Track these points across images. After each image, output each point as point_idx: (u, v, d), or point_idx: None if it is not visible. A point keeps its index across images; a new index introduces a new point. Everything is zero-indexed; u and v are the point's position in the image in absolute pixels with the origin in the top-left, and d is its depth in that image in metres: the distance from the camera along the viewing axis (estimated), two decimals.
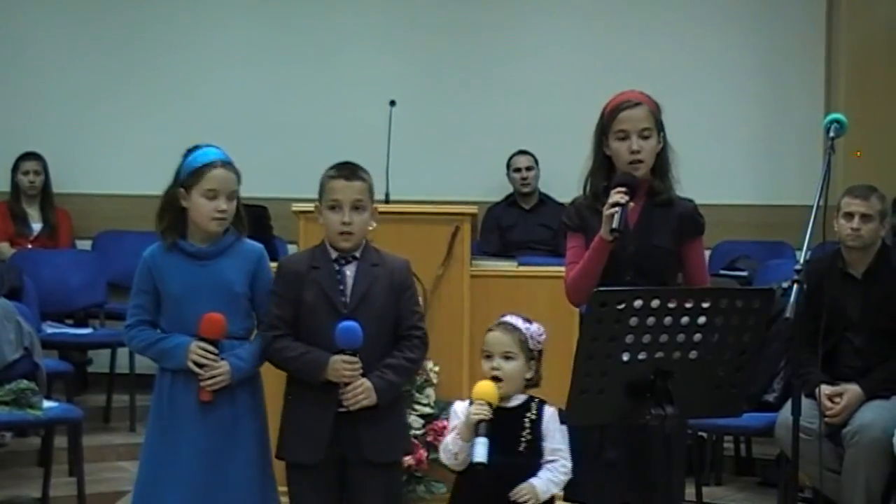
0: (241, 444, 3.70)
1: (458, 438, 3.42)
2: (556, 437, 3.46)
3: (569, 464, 3.45)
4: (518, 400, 3.51)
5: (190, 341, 3.64)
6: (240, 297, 3.74)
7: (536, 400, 3.53)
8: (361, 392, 3.59)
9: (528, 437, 3.46)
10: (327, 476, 3.66)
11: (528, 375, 3.53)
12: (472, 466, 3.34)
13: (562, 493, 3.54)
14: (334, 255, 3.71)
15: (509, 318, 3.57)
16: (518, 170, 7.59)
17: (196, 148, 3.77)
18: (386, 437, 3.68)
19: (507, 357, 3.49)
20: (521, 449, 3.45)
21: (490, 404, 3.38)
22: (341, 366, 3.57)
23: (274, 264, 3.87)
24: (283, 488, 4.03)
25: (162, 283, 3.72)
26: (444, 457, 3.50)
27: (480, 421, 3.35)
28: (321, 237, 3.86)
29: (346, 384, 3.58)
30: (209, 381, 3.63)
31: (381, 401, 3.62)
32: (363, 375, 3.61)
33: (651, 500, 3.36)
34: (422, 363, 3.77)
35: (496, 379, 3.47)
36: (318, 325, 3.64)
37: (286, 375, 3.77)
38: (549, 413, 3.49)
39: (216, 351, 3.65)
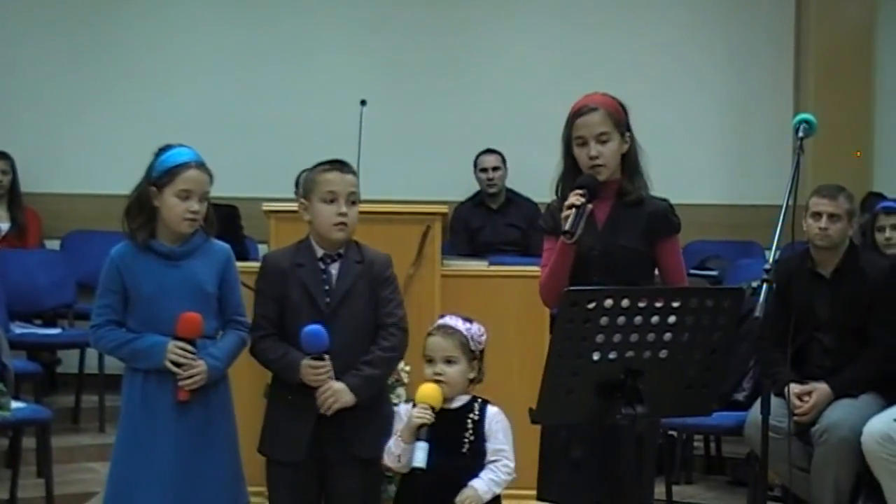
0: (214, 443, 3.70)
1: (401, 441, 3.42)
2: (498, 436, 3.45)
3: (511, 463, 3.44)
4: (461, 401, 3.50)
5: (166, 341, 3.62)
6: (210, 297, 3.73)
7: (479, 400, 3.52)
8: (330, 396, 3.59)
9: (471, 437, 3.45)
10: (308, 474, 3.66)
11: (471, 375, 3.51)
12: (412, 470, 3.34)
13: (530, 493, 3.53)
14: (320, 253, 3.71)
15: (449, 321, 3.54)
16: (485, 170, 7.57)
17: (168, 147, 3.75)
18: (368, 433, 3.66)
19: (448, 361, 3.47)
20: (464, 450, 3.44)
21: (433, 408, 3.37)
22: (308, 371, 3.58)
23: (245, 263, 3.85)
24: (257, 488, 4.03)
25: (132, 283, 3.69)
26: (387, 459, 3.49)
27: (422, 425, 3.35)
28: (291, 237, 3.84)
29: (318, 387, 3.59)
30: (188, 381, 3.62)
31: (360, 397, 3.62)
32: (340, 376, 3.60)
33: (619, 499, 3.35)
34: (403, 348, 3.74)
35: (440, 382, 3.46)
36: (299, 325, 3.63)
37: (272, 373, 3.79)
38: (492, 413, 3.49)
39: (194, 350, 3.63)
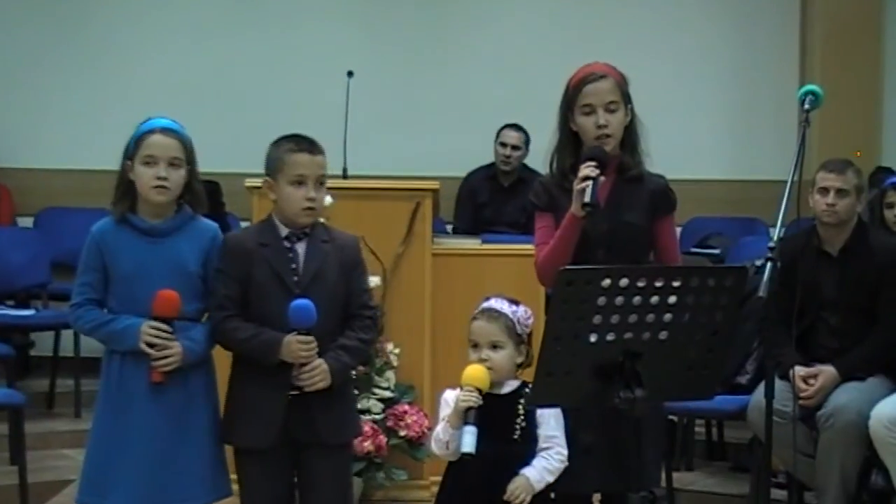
0: (194, 428, 3.62)
1: (448, 427, 3.33)
2: (550, 423, 3.38)
3: (564, 451, 3.38)
4: (511, 386, 3.42)
5: (142, 322, 3.54)
6: (193, 277, 3.63)
7: (530, 385, 3.41)
8: (318, 374, 3.53)
9: (523, 423, 3.38)
10: (279, 460, 3.60)
11: (519, 360, 3.45)
12: (462, 456, 3.26)
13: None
14: (284, 231, 3.63)
15: (494, 303, 3.46)
16: (504, 145, 7.45)
17: (147, 120, 3.68)
18: (339, 418, 3.64)
19: (494, 346, 3.39)
20: (515, 437, 3.38)
21: (479, 390, 3.29)
22: (297, 346, 3.50)
23: None
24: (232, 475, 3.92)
25: (112, 260, 3.61)
26: (434, 447, 3.42)
27: (469, 408, 3.26)
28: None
29: (302, 365, 3.51)
30: (161, 362, 3.53)
31: (335, 382, 3.57)
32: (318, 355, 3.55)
33: (626, 485, 3.27)
34: (374, 344, 3.68)
35: None
36: (269, 305, 3.56)
37: (233, 357, 3.69)
38: None
39: (170, 330, 3.55)
